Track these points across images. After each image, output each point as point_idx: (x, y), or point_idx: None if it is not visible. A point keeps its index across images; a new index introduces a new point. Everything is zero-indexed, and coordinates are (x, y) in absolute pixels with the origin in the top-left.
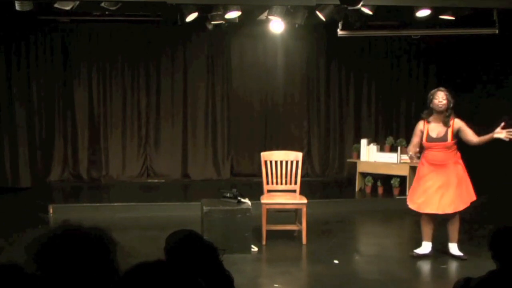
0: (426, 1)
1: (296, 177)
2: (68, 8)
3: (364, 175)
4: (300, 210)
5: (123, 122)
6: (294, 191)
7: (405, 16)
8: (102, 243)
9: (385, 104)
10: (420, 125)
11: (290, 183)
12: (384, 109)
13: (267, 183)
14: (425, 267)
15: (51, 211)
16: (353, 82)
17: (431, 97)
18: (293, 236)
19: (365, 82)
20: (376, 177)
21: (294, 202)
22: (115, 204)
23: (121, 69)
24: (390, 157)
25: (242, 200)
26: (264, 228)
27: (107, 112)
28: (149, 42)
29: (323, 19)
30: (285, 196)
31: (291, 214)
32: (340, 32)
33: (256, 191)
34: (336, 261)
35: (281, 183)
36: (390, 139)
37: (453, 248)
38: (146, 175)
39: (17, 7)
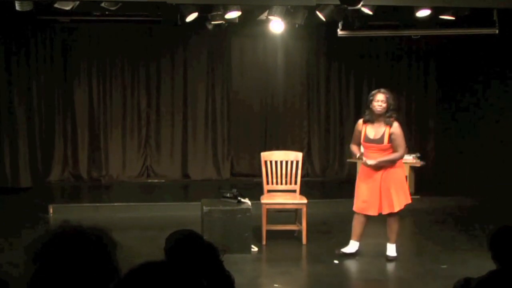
0: (426, 1)
1: (296, 177)
2: (68, 8)
3: None
4: (300, 210)
5: (123, 122)
6: (294, 191)
7: (405, 16)
8: (102, 243)
9: None
10: (359, 125)
11: (290, 183)
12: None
13: (267, 183)
14: (425, 267)
15: (51, 211)
16: (353, 82)
17: (371, 98)
18: (293, 236)
19: (365, 82)
20: None
21: (294, 202)
22: (115, 204)
23: (121, 69)
24: None
25: (242, 200)
26: (264, 228)
27: (107, 112)
28: (149, 42)
29: (323, 19)
30: (285, 196)
31: (291, 214)
32: (340, 32)
33: (256, 191)
34: (336, 261)
35: (281, 183)
36: None
37: (389, 249)
38: (146, 175)
39: (17, 7)
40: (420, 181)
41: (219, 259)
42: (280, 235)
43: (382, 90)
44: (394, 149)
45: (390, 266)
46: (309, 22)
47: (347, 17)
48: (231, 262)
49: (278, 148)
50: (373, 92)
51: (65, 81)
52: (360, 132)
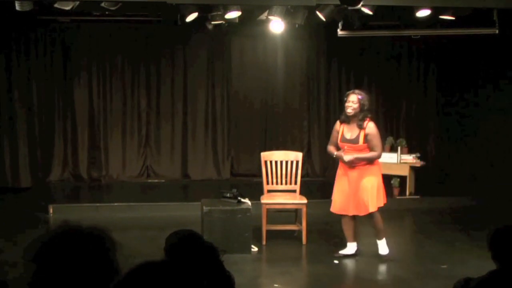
0: (426, 1)
1: (296, 177)
2: (68, 8)
3: None
4: (300, 210)
5: (123, 122)
6: (294, 191)
7: (405, 16)
8: (101, 243)
9: (385, 104)
10: (337, 125)
11: (290, 183)
12: (384, 109)
13: (267, 183)
14: (425, 267)
15: (51, 211)
16: (353, 82)
17: (345, 98)
18: (293, 236)
19: (365, 82)
20: None
21: (294, 202)
22: (115, 204)
23: (121, 69)
24: (390, 157)
25: (242, 200)
26: (264, 228)
27: (107, 112)
28: (149, 42)
29: (323, 19)
30: (285, 196)
31: (291, 214)
32: (340, 32)
33: (256, 191)
34: (336, 261)
35: (281, 183)
36: (390, 139)
37: (380, 246)
38: (146, 175)
39: (17, 7)
40: (420, 181)
41: (219, 259)
42: (280, 235)
43: (357, 91)
44: (371, 149)
45: (390, 266)
46: (309, 22)
47: (347, 17)
48: (231, 262)
49: (278, 148)
50: (348, 92)
51: (65, 81)
52: (337, 133)
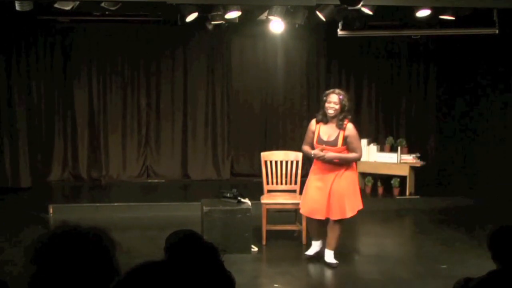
0: (426, 1)
1: (296, 177)
2: (68, 8)
3: (364, 175)
4: None
5: (123, 122)
6: (294, 191)
7: (405, 16)
8: (101, 243)
9: (385, 104)
10: (312, 125)
11: (290, 183)
12: (384, 109)
13: (267, 183)
14: (425, 267)
15: (51, 211)
16: (353, 82)
17: (325, 98)
18: (293, 236)
19: (365, 82)
20: (376, 177)
21: (294, 202)
22: (115, 204)
23: (121, 69)
24: (390, 157)
25: (242, 200)
26: (264, 228)
27: (107, 112)
28: (149, 42)
29: (323, 19)
30: (285, 196)
31: (291, 214)
32: (340, 32)
33: (256, 191)
34: (336, 261)
35: (281, 183)
36: (390, 139)
37: (328, 255)
38: (146, 175)
39: (17, 7)
40: (420, 181)
41: (219, 259)
42: (280, 235)
43: (337, 90)
44: (350, 152)
45: (390, 266)
46: (309, 22)
47: (347, 17)
48: (231, 262)
49: (278, 148)
50: (327, 92)
51: (65, 81)
52: (313, 133)
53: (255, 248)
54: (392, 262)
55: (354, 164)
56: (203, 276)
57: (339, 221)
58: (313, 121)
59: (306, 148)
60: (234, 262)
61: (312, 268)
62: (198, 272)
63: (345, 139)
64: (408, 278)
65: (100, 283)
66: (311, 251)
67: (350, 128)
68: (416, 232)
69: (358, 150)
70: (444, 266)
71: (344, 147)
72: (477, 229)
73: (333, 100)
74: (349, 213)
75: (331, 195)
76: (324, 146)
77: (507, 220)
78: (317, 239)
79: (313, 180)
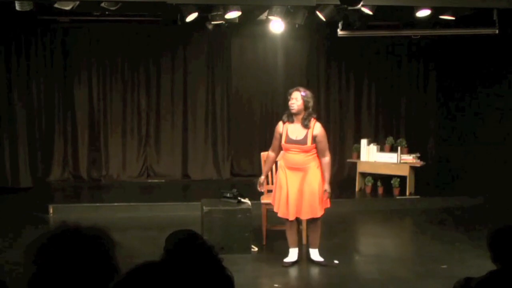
0: (426, 1)
1: None
2: (68, 8)
3: (364, 175)
4: None
5: (123, 122)
6: None
7: (405, 16)
8: (100, 242)
9: (385, 104)
10: (279, 127)
11: None
12: (384, 109)
13: (267, 183)
14: (425, 267)
15: (51, 211)
16: (353, 82)
17: (288, 96)
18: None
19: (365, 82)
20: (376, 177)
21: None
22: (115, 204)
23: (121, 69)
24: (390, 157)
25: (242, 200)
26: (264, 228)
27: (107, 112)
28: (149, 42)
29: (323, 19)
30: None
31: None
32: (340, 32)
33: (256, 191)
34: (336, 261)
35: None
36: (390, 139)
37: (313, 254)
38: (146, 175)
39: (17, 7)
40: (420, 181)
41: (219, 259)
42: (280, 235)
43: (300, 88)
44: (319, 152)
45: (390, 266)
46: (309, 22)
47: (347, 17)
48: (231, 262)
49: None
50: (290, 90)
51: (65, 81)
52: (280, 135)
53: (255, 248)
54: (392, 262)
55: (320, 164)
56: (203, 276)
57: (317, 220)
58: (280, 123)
59: (272, 157)
60: (234, 262)
61: (312, 268)
62: (198, 272)
63: (314, 138)
64: (408, 278)
65: (100, 283)
66: (289, 259)
67: (318, 127)
68: (416, 232)
69: (327, 151)
70: (444, 266)
71: (313, 145)
72: (477, 229)
73: (295, 97)
74: (319, 212)
75: (303, 195)
76: (293, 145)
77: (507, 220)
78: (294, 247)
79: (284, 181)
